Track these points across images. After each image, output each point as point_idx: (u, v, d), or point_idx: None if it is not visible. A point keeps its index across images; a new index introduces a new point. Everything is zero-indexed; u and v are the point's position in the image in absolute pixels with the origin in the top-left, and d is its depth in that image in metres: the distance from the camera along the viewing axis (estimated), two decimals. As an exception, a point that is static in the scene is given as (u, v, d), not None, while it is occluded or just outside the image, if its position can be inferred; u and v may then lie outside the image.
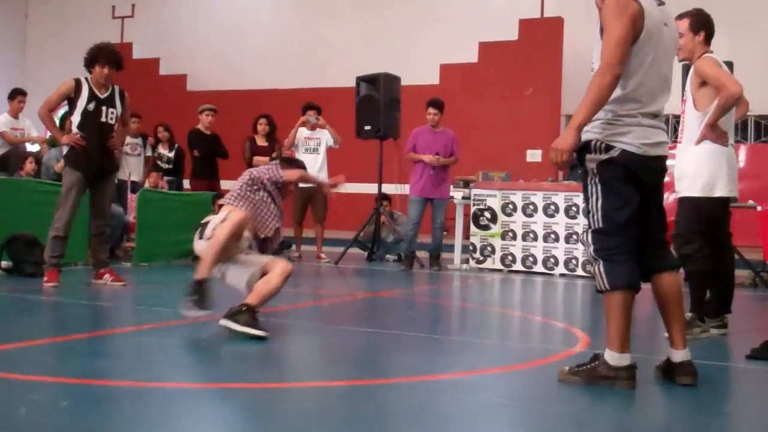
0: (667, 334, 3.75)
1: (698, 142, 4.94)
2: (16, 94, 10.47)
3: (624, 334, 3.52)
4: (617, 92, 3.49)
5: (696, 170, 4.97)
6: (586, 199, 3.62)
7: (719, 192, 4.99)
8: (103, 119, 6.81)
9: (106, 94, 6.86)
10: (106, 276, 6.84)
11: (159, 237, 9.22)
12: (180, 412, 2.99)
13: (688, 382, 3.61)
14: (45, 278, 6.58)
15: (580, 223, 9.20)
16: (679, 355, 3.65)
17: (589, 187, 3.60)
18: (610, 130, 3.51)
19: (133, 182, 10.44)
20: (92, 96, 6.77)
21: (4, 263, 7.28)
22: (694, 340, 4.70)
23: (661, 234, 3.75)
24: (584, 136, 3.56)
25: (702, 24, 4.97)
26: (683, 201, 5.05)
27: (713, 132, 4.82)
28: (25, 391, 3.20)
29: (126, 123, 7.27)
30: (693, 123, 5.02)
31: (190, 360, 3.99)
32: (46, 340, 4.27)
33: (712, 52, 4.96)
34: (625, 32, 3.44)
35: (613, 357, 3.53)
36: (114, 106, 6.88)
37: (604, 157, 3.52)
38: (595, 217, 3.55)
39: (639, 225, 3.57)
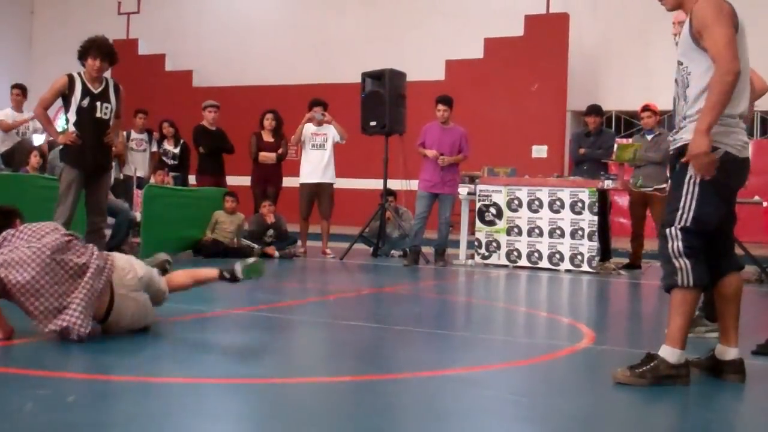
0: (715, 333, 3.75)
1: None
2: (12, 88, 10.57)
3: (686, 332, 3.54)
4: None
5: None
6: (678, 198, 3.56)
7: None
8: (98, 115, 6.72)
9: (99, 89, 6.75)
10: None
11: (165, 232, 9.23)
12: (185, 407, 3.00)
13: (737, 380, 3.64)
14: None
15: (586, 218, 9.19)
16: (732, 353, 3.66)
17: (687, 186, 3.54)
18: (714, 130, 3.47)
19: (139, 178, 10.45)
20: (86, 91, 6.68)
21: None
22: (700, 338, 4.69)
23: (731, 236, 3.78)
24: (686, 137, 3.55)
25: None
26: None
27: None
28: (31, 386, 3.21)
29: (118, 116, 7.03)
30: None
31: (196, 355, 4.00)
32: (51, 335, 4.28)
33: None
34: (731, 31, 3.47)
35: (674, 354, 3.52)
36: (108, 101, 6.78)
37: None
38: (686, 215, 3.52)
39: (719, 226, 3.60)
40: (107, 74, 6.90)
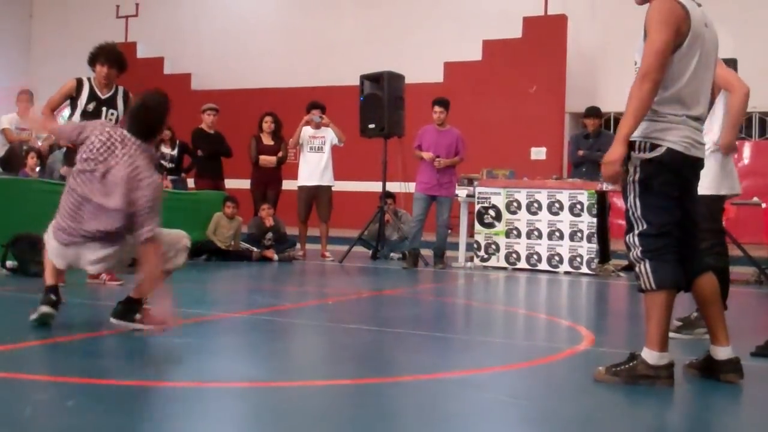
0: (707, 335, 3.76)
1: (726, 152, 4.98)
2: (20, 94, 10.52)
3: (665, 334, 3.53)
4: (661, 94, 3.48)
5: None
6: (626, 200, 3.60)
7: (724, 190, 4.99)
8: (103, 120, 6.75)
9: (108, 95, 6.81)
10: (103, 275, 6.81)
11: (164, 236, 9.23)
12: (185, 411, 3.00)
13: (733, 380, 3.62)
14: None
15: (585, 220, 9.20)
16: (725, 352, 3.64)
17: (631, 187, 3.57)
18: (653, 127, 3.50)
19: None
20: (92, 96, 6.73)
21: (9, 263, 7.29)
22: (698, 340, 4.70)
23: (697, 236, 3.74)
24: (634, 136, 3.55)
25: None
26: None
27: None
28: (29, 390, 3.21)
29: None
30: None
31: (196, 358, 4.00)
32: (50, 339, 4.27)
33: None
34: (668, 40, 3.44)
35: (652, 356, 3.52)
36: (115, 107, 6.81)
37: (649, 156, 3.51)
38: (639, 218, 3.54)
39: (678, 226, 3.57)
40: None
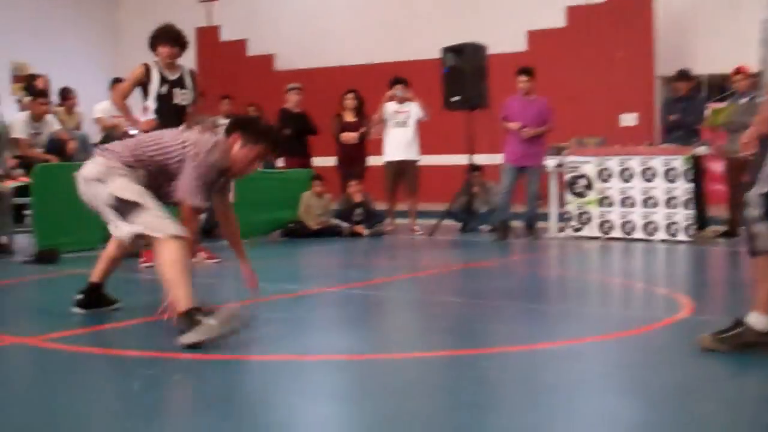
0: None
1: None
2: (114, 83, 10.78)
3: None
4: None
5: None
6: (759, 163, 3.47)
7: None
8: (176, 101, 6.79)
9: (176, 76, 6.84)
10: (200, 254, 6.92)
11: (256, 214, 9.39)
12: (283, 384, 3.04)
13: None
14: (141, 258, 6.61)
15: (680, 186, 8.95)
16: None
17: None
18: None
19: (228, 162, 10.60)
20: (163, 79, 6.77)
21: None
22: None
23: None
24: None
25: None
26: None
27: None
28: (138, 366, 3.31)
29: (194, 102, 7.04)
30: None
31: (292, 333, 4.05)
32: (154, 317, 4.39)
33: None
34: None
35: (761, 321, 3.41)
36: (185, 87, 6.86)
37: None
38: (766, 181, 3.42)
39: None
40: (187, 61, 6.98)
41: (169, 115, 6.74)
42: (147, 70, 6.78)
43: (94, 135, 10.70)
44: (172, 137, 4.18)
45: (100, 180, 4.05)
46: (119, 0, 20.94)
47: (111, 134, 10.48)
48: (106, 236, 4.50)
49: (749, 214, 3.46)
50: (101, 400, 2.90)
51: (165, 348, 3.57)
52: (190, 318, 3.60)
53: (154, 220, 3.87)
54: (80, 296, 4.43)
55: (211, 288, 5.99)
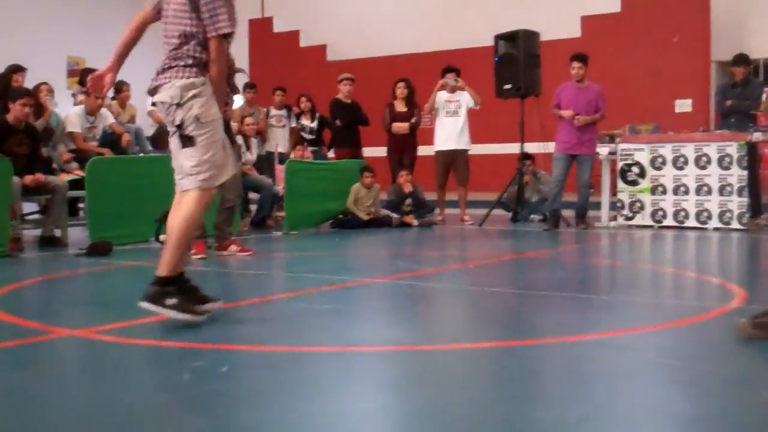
0: None
1: None
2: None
3: None
4: None
5: None
6: None
7: None
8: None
9: None
10: (232, 247, 6.96)
11: (307, 206, 9.48)
12: (334, 375, 3.08)
13: None
14: (193, 250, 6.70)
15: (735, 173, 8.81)
16: None
17: None
18: None
19: (280, 153, 10.73)
20: None
21: (163, 237, 7.64)
22: None
23: None
24: None
25: None
26: None
27: None
28: (187, 358, 3.38)
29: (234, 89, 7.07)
30: None
31: (342, 324, 4.10)
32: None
33: None
34: None
35: None
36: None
37: None
38: None
39: None
40: (240, 52, 7.05)
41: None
42: None
43: (148, 128, 10.87)
44: None
45: None
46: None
47: (164, 127, 10.66)
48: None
49: None
50: (148, 391, 2.97)
51: (213, 339, 3.64)
52: (164, 290, 3.85)
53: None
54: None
55: (264, 280, 6.07)
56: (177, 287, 3.91)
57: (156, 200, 7.50)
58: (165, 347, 3.54)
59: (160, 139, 10.39)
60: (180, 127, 4.02)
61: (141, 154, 9.51)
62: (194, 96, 3.95)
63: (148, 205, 7.33)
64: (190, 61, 3.98)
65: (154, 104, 4.31)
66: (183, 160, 4.08)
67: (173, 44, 4.02)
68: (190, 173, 4.05)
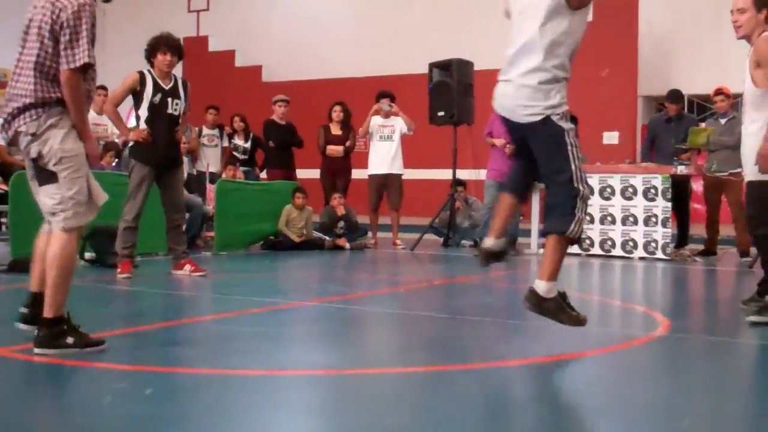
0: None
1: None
2: (97, 90, 10.71)
3: None
4: None
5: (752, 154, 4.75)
6: None
7: None
8: (169, 111, 6.77)
9: (170, 85, 6.82)
10: (187, 266, 6.90)
11: (237, 226, 9.39)
12: (260, 399, 3.05)
13: None
14: (118, 269, 6.61)
15: (659, 205, 9.02)
16: None
17: None
18: None
19: (211, 173, 10.62)
20: (157, 88, 6.74)
21: (88, 255, 7.49)
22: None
23: None
24: None
25: (766, 2, 4.75)
26: (751, 184, 4.85)
27: None
28: (109, 379, 3.30)
29: (184, 113, 7.03)
30: (752, 102, 4.80)
31: (270, 347, 4.05)
32: (129, 329, 4.38)
33: None
34: None
35: None
36: (179, 97, 6.85)
37: None
38: None
39: None
40: (175, 71, 6.98)
41: (161, 124, 6.75)
42: (142, 77, 6.76)
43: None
44: None
45: None
46: (106, 7, 20.88)
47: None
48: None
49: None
50: (69, 413, 2.88)
51: (137, 361, 3.57)
52: (59, 329, 3.61)
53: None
54: None
55: (191, 300, 5.99)
56: (66, 325, 3.66)
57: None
58: (87, 368, 3.45)
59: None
60: (36, 161, 3.70)
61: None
62: (51, 126, 3.67)
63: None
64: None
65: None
66: (43, 197, 3.75)
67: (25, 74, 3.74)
68: (53, 212, 3.72)
